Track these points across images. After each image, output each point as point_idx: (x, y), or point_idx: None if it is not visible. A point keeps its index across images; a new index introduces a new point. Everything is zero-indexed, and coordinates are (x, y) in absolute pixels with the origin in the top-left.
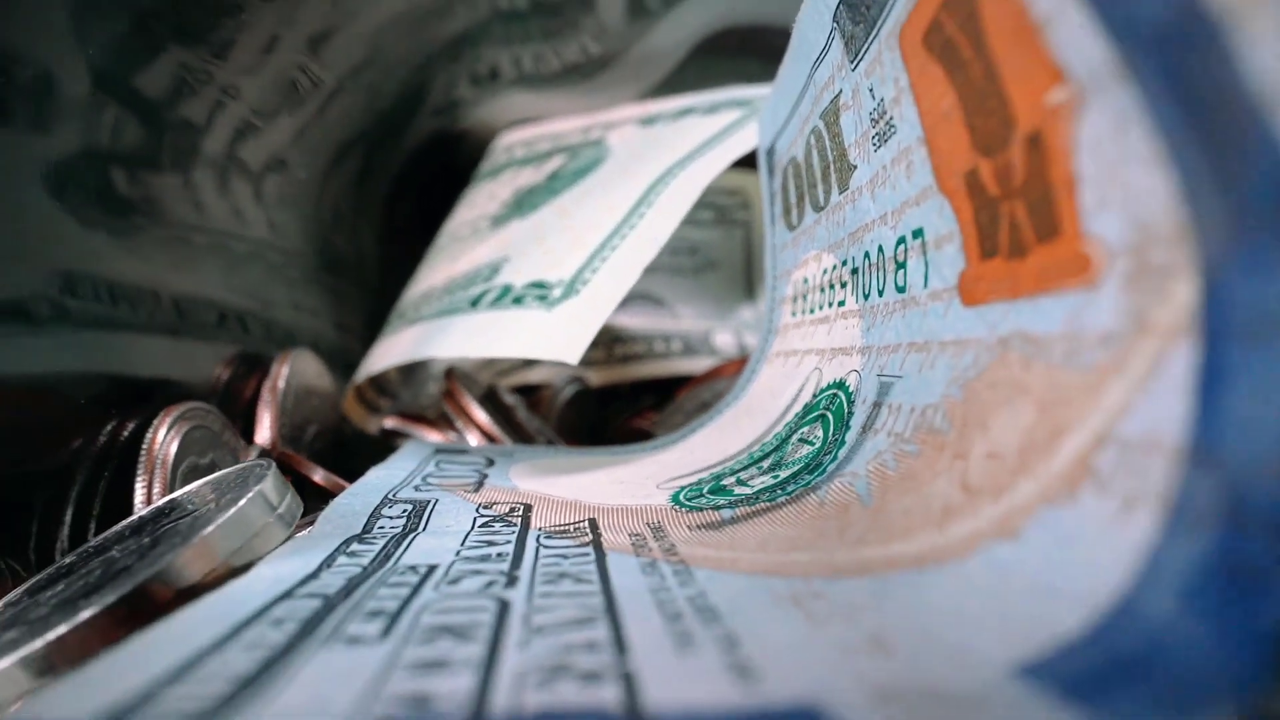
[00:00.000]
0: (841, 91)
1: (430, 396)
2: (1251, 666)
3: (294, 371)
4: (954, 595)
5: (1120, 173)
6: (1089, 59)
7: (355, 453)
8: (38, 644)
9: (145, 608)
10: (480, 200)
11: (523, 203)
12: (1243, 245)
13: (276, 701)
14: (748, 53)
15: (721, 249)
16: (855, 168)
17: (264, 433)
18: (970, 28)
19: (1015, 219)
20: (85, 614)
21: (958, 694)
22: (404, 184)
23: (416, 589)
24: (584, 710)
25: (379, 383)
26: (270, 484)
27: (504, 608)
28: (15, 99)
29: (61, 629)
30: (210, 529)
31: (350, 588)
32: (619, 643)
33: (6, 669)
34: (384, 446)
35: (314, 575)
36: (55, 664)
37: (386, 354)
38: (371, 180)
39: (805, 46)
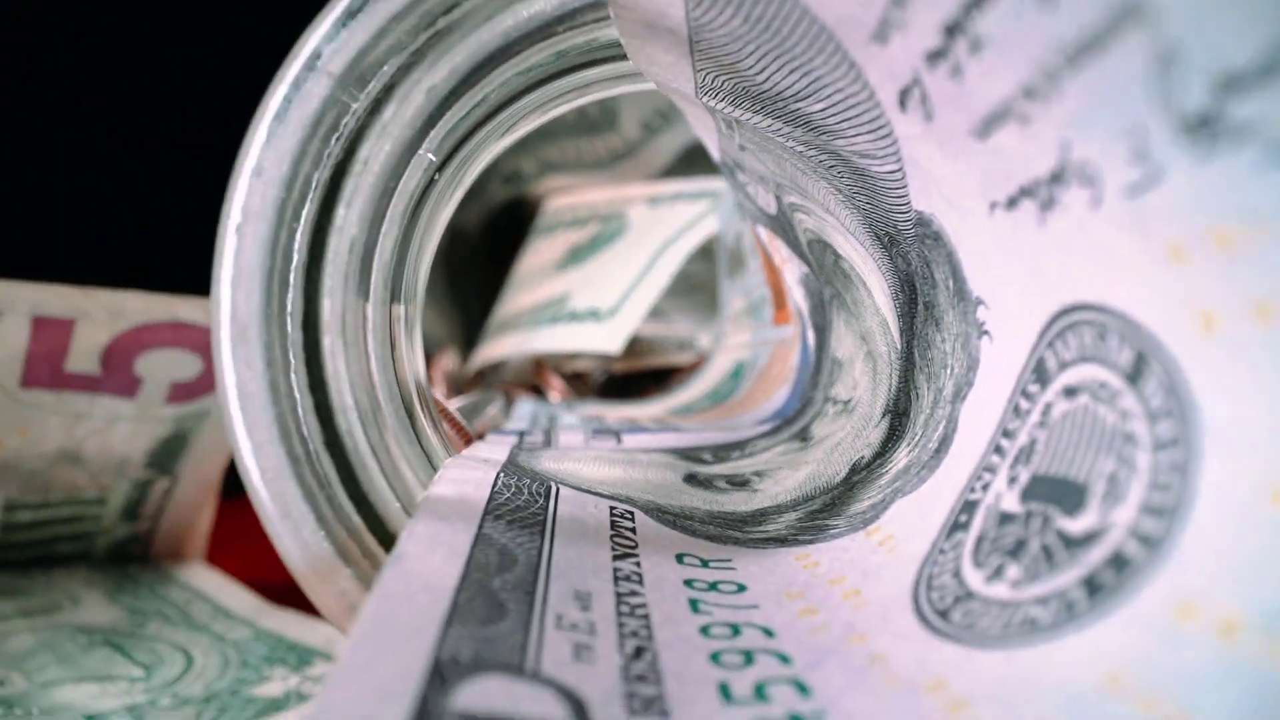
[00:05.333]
0: (743, 231)
1: (505, 379)
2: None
3: (450, 359)
4: (746, 417)
5: (793, 288)
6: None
7: None
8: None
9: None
10: (543, 250)
11: (575, 256)
12: (807, 318)
13: (552, 447)
14: None
15: (705, 276)
16: (746, 263)
17: (439, 393)
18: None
19: (779, 296)
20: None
21: (737, 423)
22: (481, 231)
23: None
24: (646, 424)
25: (479, 370)
26: (503, 400)
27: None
28: None
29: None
30: (485, 415)
31: (547, 431)
32: (640, 423)
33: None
34: None
35: (532, 426)
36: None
37: (497, 349)
38: (462, 229)
39: (730, 198)
